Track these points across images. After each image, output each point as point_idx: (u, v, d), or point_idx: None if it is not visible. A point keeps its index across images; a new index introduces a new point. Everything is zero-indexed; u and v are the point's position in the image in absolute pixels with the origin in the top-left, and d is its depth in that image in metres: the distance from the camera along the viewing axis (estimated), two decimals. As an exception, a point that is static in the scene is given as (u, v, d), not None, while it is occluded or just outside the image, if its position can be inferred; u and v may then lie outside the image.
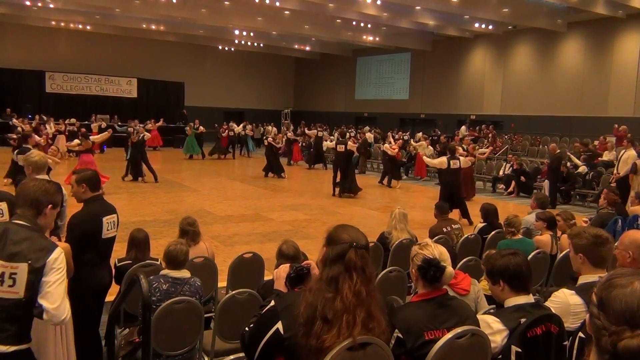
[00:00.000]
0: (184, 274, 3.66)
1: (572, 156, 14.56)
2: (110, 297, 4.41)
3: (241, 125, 24.23)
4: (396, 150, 15.98)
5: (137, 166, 14.46)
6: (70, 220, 3.77)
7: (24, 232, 2.38)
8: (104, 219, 3.80)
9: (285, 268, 2.19)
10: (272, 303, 1.99)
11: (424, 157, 11.16)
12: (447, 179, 10.75)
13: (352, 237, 1.99)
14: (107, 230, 3.82)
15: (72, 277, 3.42)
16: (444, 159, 10.86)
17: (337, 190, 13.61)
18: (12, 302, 2.29)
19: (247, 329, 2.05)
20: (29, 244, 2.34)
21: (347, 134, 18.09)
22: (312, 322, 1.85)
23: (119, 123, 24.16)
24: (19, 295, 2.29)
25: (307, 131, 23.27)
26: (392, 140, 17.79)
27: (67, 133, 20.47)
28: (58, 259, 2.36)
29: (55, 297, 2.31)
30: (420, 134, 21.48)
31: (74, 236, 3.68)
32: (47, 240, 2.46)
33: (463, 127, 22.50)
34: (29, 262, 2.29)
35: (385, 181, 16.07)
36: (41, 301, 2.30)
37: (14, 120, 20.23)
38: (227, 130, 22.83)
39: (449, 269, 2.29)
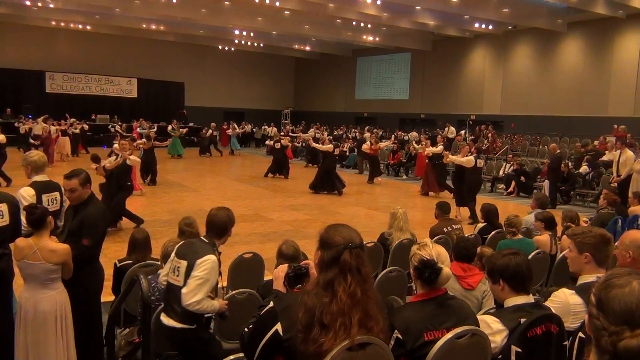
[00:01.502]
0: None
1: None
2: (109, 297, 4.41)
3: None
4: (370, 148, 16.35)
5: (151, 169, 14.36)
6: (89, 218, 3.73)
7: (198, 243, 3.23)
8: None
9: (283, 268, 2.19)
10: (271, 304, 1.98)
11: (452, 157, 11.20)
12: (473, 178, 10.87)
13: (345, 238, 1.96)
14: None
15: (88, 273, 3.66)
16: (471, 157, 10.87)
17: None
18: (178, 288, 3.06)
19: (246, 329, 2.04)
20: (192, 250, 3.16)
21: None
22: (310, 328, 1.84)
23: (141, 125, 23.35)
24: (180, 284, 3.07)
25: (303, 134, 23.62)
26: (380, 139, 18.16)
27: (71, 135, 20.13)
28: (202, 263, 3.05)
29: (190, 287, 3.01)
30: (414, 133, 21.54)
31: (97, 232, 3.75)
32: (204, 249, 3.15)
33: (446, 129, 22.40)
34: (188, 260, 3.10)
35: (373, 179, 16.44)
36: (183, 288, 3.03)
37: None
38: (210, 130, 23.36)
39: (446, 270, 2.28)
